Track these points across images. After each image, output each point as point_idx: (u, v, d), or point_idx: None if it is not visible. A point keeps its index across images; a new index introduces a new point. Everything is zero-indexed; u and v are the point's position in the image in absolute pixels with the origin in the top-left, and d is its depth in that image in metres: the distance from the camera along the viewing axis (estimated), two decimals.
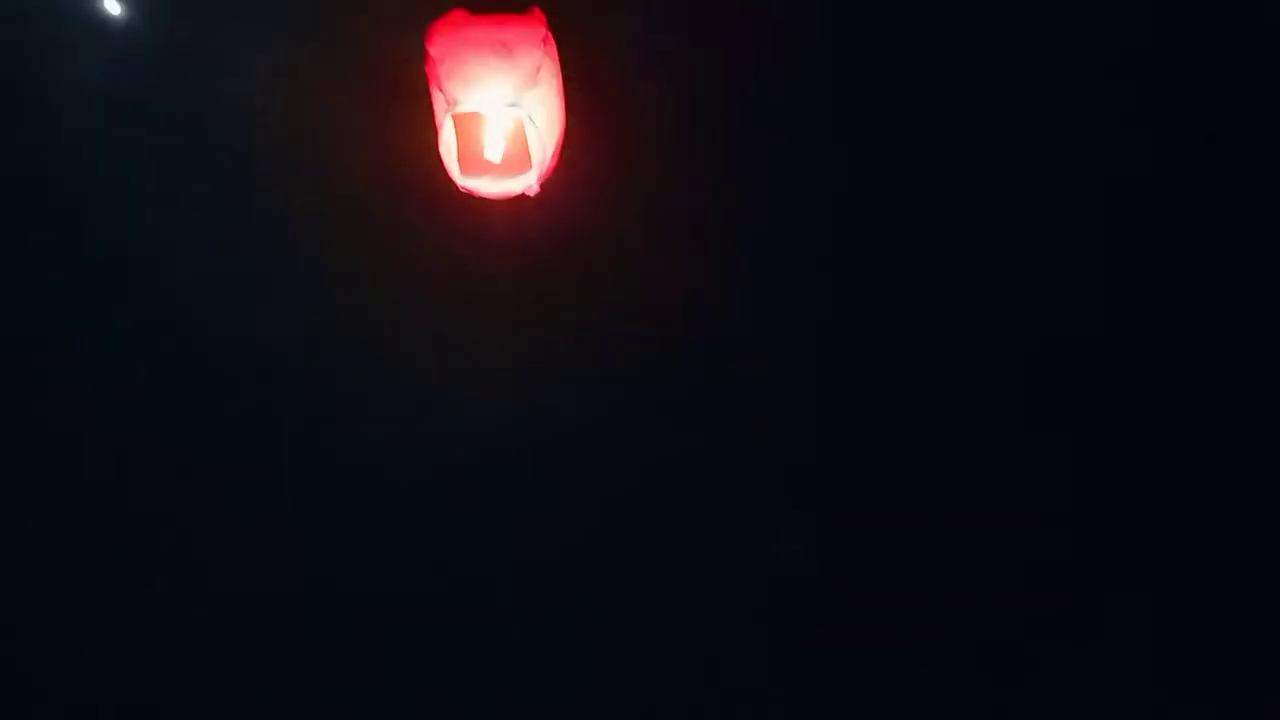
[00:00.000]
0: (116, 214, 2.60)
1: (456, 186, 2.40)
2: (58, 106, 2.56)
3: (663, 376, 2.58)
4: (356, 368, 2.57)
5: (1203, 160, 2.47)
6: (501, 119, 2.37)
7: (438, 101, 2.37)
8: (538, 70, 2.34)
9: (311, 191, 2.53)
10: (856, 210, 2.53)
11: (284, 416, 2.58)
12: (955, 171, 2.51)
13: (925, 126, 2.53)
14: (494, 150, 2.39)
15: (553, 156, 2.43)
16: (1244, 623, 2.51)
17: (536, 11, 2.39)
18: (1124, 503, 2.54)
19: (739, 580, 2.56)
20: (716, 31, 2.52)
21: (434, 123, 2.38)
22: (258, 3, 2.54)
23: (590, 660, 2.57)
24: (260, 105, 2.52)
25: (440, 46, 2.34)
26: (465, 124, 2.37)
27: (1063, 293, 2.51)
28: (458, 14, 2.37)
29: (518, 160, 2.40)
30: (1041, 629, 2.54)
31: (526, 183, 2.42)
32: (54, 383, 2.60)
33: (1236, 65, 2.43)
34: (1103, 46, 2.46)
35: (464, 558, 2.60)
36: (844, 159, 2.54)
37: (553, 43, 2.39)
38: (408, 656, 2.60)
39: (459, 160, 2.39)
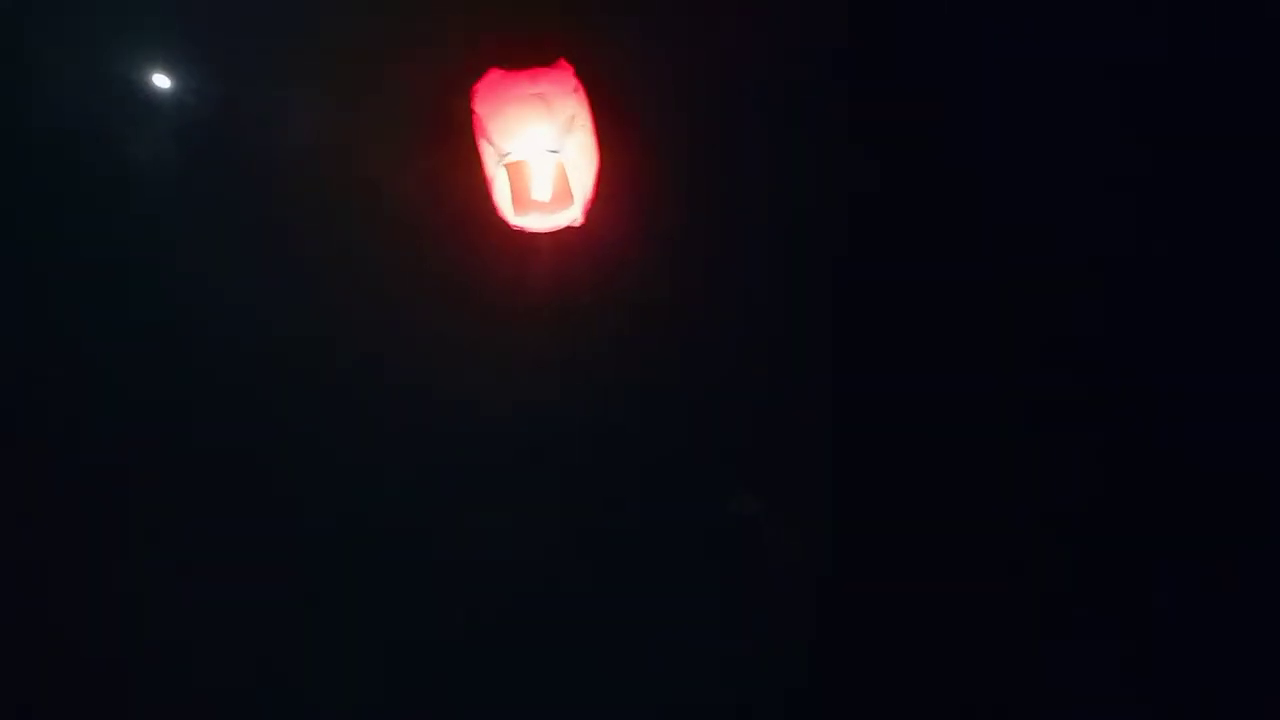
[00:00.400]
0: (192, 250, 2.88)
1: (509, 225, 2.74)
2: (134, 171, 2.84)
3: (687, 379, 2.85)
4: (419, 383, 2.90)
5: (1203, 160, 2.54)
6: (545, 163, 2.67)
7: (487, 152, 2.67)
8: (573, 118, 2.62)
9: (371, 231, 2.86)
10: (874, 222, 2.71)
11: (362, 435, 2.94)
12: (959, 174, 2.66)
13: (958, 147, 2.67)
14: (542, 191, 2.70)
15: (591, 189, 2.73)
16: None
17: (563, 63, 2.65)
18: (1129, 503, 2.69)
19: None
20: (727, 60, 2.71)
21: (482, 169, 2.70)
22: (323, 72, 2.84)
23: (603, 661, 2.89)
24: (330, 163, 2.84)
25: (484, 104, 2.64)
26: (513, 170, 2.68)
27: (1064, 291, 2.65)
28: (495, 73, 2.65)
29: (560, 197, 2.71)
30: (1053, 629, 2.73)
31: (572, 216, 2.73)
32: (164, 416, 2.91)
33: (1237, 65, 2.47)
34: (1102, 47, 2.53)
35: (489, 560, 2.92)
36: (860, 171, 2.72)
37: (583, 90, 2.65)
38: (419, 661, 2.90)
39: (509, 206, 2.71)
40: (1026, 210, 2.65)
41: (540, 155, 2.64)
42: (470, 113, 2.65)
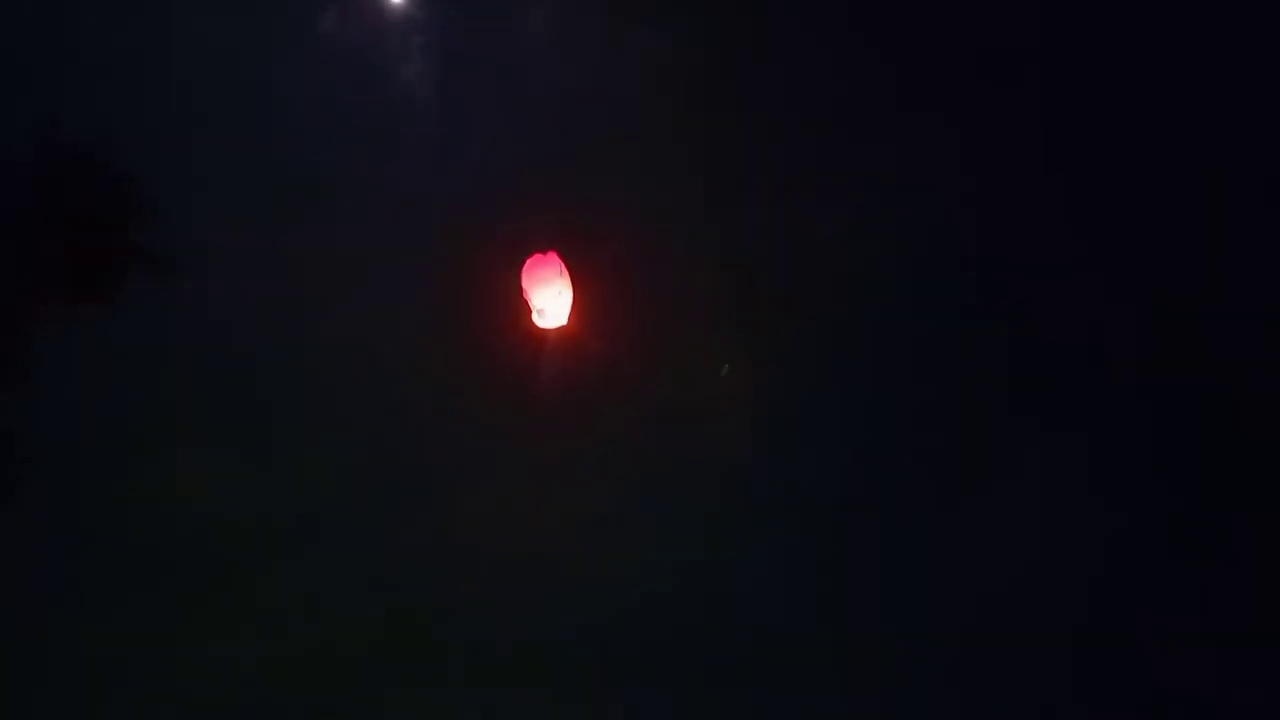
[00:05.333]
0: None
1: (535, 326, 6.29)
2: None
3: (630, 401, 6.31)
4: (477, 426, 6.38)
5: None
6: (551, 298, 6.24)
7: (528, 294, 6.26)
8: (562, 276, 6.21)
9: (470, 330, 6.40)
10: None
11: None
12: None
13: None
14: (558, 309, 6.27)
15: (570, 309, 6.29)
16: None
17: (554, 254, 6.24)
18: None
19: None
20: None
21: (525, 298, 6.27)
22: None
23: None
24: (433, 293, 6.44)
25: (526, 279, 6.26)
26: (538, 299, 6.25)
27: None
28: (530, 258, 6.25)
29: (558, 312, 6.27)
30: None
31: (562, 321, 6.29)
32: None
33: None
34: None
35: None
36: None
37: (564, 264, 6.23)
38: None
39: (537, 315, 6.28)
40: None
41: (548, 294, 6.24)
42: (519, 276, 6.26)
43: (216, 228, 6.13)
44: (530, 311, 6.29)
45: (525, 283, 6.27)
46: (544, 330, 6.34)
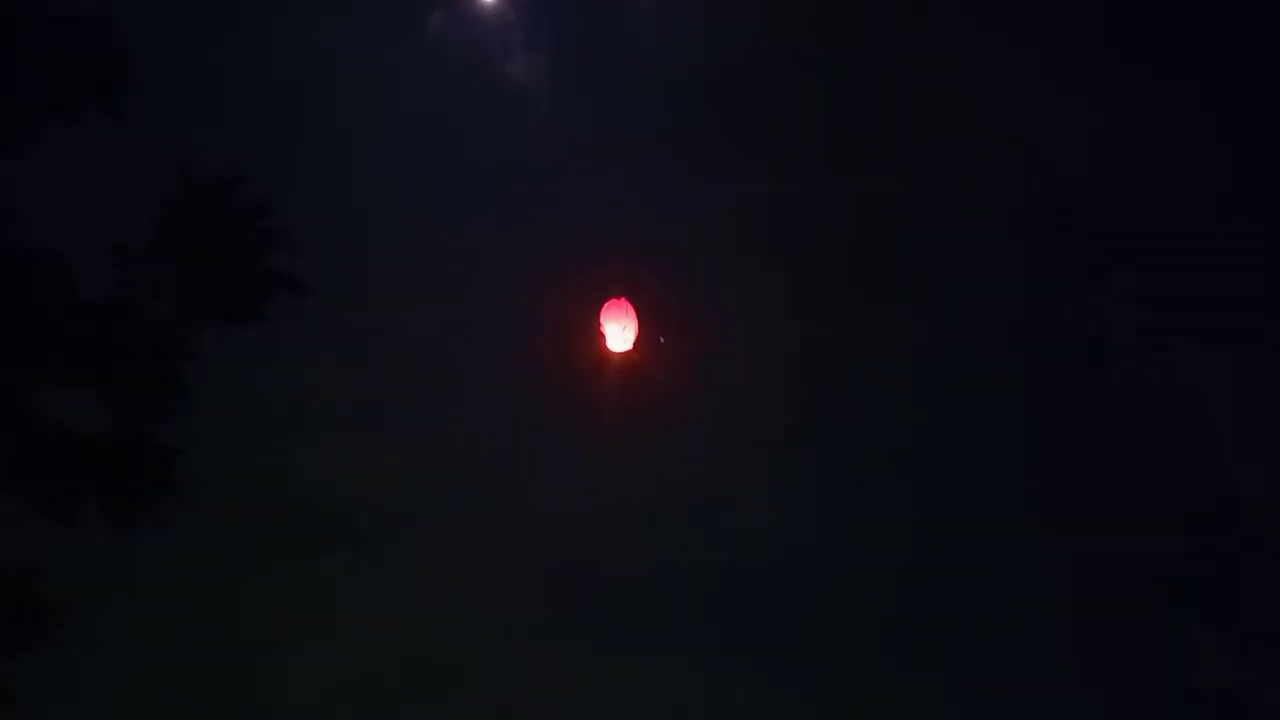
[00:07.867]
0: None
1: (610, 351, 8.88)
2: None
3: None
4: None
5: None
6: (621, 332, 8.84)
7: (604, 326, 8.88)
8: (630, 315, 8.84)
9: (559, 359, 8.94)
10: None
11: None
12: None
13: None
14: (626, 338, 8.89)
15: (634, 338, 8.90)
16: None
17: (624, 300, 8.88)
18: None
19: None
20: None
21: (600, 331, 8.87)
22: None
23: None
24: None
25: (605, 315, 8.89)
26: (615, 336, 8.87)
27: None
28: (608, 303, 8.89)
29: (625, 341, 8.88)
30: None
31: (628, 347, 8.88)
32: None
33: None
34: None
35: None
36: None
37: (632, 306, 8.88)
38: None
39: (614, 343, 8.90)
40: None
41: (620, 328, 8.85)
42: (598, 316, 8.88)
43: (342, 257, 8.44)
44: (604, 339, 8.87)
45: (602, 318, 8.86)
46: (613, 354, 8.90)
